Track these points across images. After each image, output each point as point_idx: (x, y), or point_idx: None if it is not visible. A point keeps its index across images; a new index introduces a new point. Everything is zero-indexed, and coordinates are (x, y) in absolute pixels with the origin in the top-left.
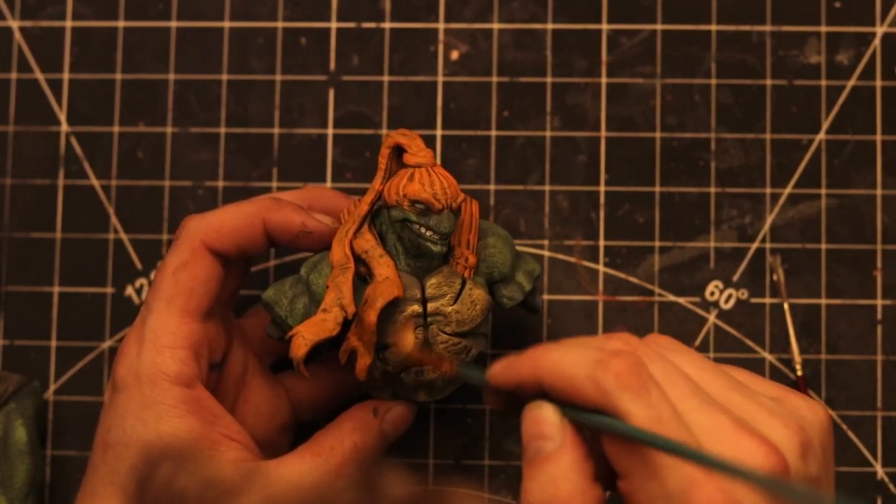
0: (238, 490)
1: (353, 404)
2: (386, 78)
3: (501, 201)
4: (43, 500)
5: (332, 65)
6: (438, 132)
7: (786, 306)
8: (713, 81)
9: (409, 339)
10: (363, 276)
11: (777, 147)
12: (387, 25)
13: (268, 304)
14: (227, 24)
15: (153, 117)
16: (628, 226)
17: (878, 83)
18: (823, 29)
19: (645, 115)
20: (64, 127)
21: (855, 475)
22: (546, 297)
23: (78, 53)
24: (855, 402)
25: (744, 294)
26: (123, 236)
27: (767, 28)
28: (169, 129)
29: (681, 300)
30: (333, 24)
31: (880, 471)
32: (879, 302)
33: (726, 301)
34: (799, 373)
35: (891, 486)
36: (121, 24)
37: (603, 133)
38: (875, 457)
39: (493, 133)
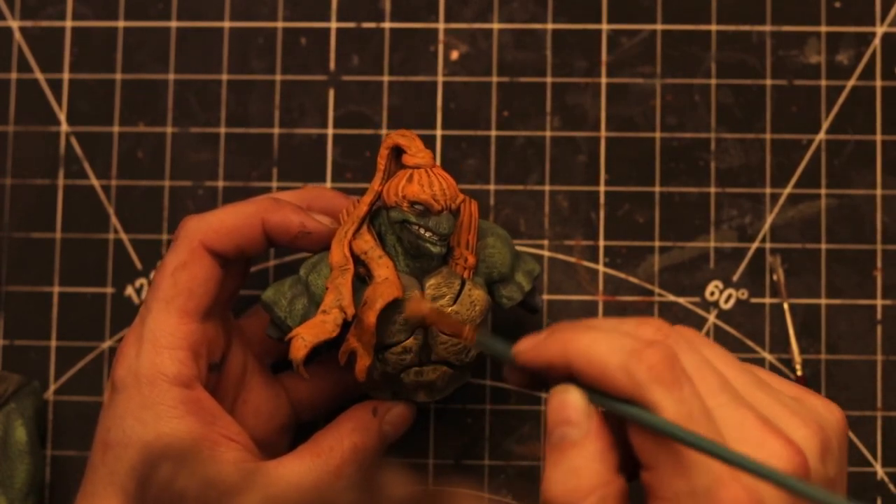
0: (238, 490)
1: (353, 404)
2: (386, 78)
3: (501, 201)
4: (43, 500)
5: (332, 65)
6: (438, 132)
7: (786, 306)
8: (713, 81)
9: (423, 302)
10: (362, 277)
11: (777, 147)
12: (387, 25)
13: (267, 304)
14: (227, 24)
15: (153, 117)
16: (628, 226)
17: (878, 83)
18: (823, 29)
19: (645, 115)
20: (64, 127)
21: (855, 475)
22: (546, 297)
23: (78, 53)
24: (855, 402)
25: (744, 294)
26: (123, 236)
27: (767, 28)
28: (169, 129)
29: (681, 300)
30: (333, 24)
31: (880, 471)
32: (879, 302)
33: (726, 301)
34: (799, 373)
35: (891, 486)
36: (121, 24)
37: (603, 133)
38: (875, 457)
39: (493, 133)
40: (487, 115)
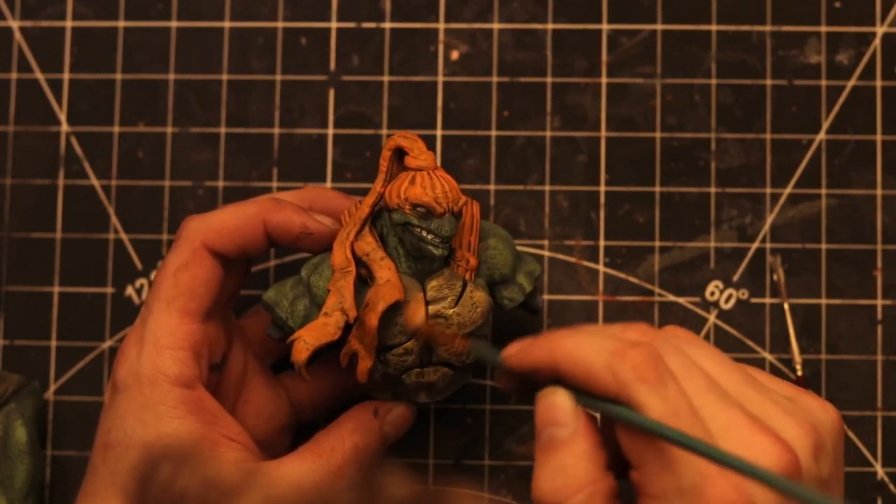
0: (238, 491)
1: (354, 405)
2: (386, 78)
3: (501, 201)
4: (43, 500)
5: (332, 65)
6: (438, 132)
7: (786, 306)
8: (713, 81)
9: (419, 313)
10: (364, 279)
11: (777, 147)
12: (387, 25)
13: (268, 305)
14: (227, 24)
15: (153, 117)
16: (628, 226)
17: (878, 83)
18: (823, 29)
19: (645, 115)
20: (64, 127)
21: (855, 475)
22: (546, 297)
23: (78, 53)
24: (855, 402)
25: (744, 294)
26: (123, 236)
27: (767, 28)
28: (169, 129)
29: (681, 300)
30: (333, 24)
31: (880, 471)
32: (879, 302)
33: (726, 301)
34: (799, 373)
35: (891, 486)
36: (121, 24)
37: (603, 133)
38: (875, 457)
39: (493, 133)
40: (487, 115)
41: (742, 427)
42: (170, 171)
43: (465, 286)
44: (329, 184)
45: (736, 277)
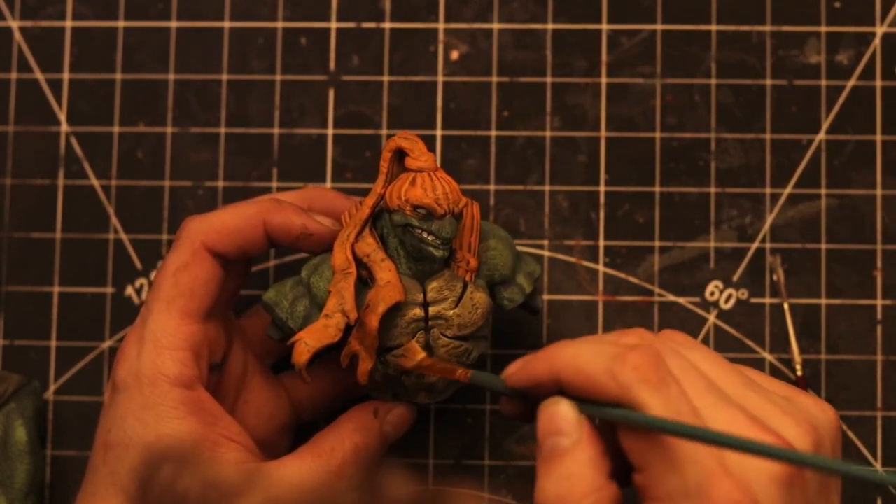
0: (239, 491)
1: (354, 405)
2: (386, 78)
3: (501, 201)
4: (43, 500)
5: (332, 65)
6: (438, 132)
7: (786, 306)
8: (713, 81)
9: (418, 353)
10: (364, 280)
11: (777, 147)
12: (387, 25)
13: (268, 305)
14: (227, 24)
15: (153, 117)
16: (628, 226)
17: (878, 83)
18: (823, 29)
19: (645, 115)
20: (64, 127)
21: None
22: (546, 297)
23: (78, 53)
24: (855, 402)
25: (744, 294)
26: (123, 236)
27: (767, 28)
28: (169, 129)
29: (681, 300)
30: (333, 24)
31: (880, 471)
32: (879, 302)
33: (726, 301)
34: (799, 373)
35: (891, 486)
36: (121, 24)
37: (603, 133)
38: (875, 457)
39: (493, 133)
40: (487, 115)
41: (743, 427)
42: (170, 171)
43: (465, 287)
44: (329, 184)
45: (736, 277)
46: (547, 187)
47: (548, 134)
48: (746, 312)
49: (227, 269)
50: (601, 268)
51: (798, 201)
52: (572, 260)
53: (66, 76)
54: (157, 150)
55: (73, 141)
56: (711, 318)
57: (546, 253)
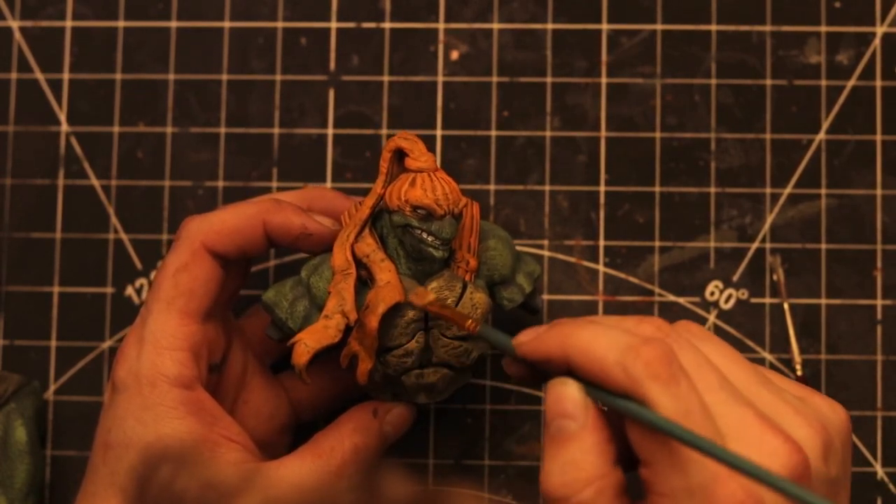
0: (238, 491)
1: (353, 405)
2: (386, 78)
3: (501, 201)
4: (43, 500)
5: (332, 65)
6: (438, 132)
7: (786, 306)
8: (713, 81)
9: (428, 294)
10: (364, 280)
11: (777, 147)
12: (387, 25)
13: (268, 305)
14: (227, 24)
15: (153, 117)
16: (628, 226)
17: (878, 83)
18: (823, 29)
19: (645, 115)
20: (64, 127)
21: (855, 475)
22: (546, 297)
23: (78, 53)
24: (855, 402)
25: (744, 294)
26: (123, 236)
27: (767, 28)
28: (169, 129)
29: (681, 300)
30: (333, 24)
31: (880, 471)
32: (879, 302)
33: (726, 301)
34: (799, 373)
35: (891, 486)
36: (121, 24)
37: (603, 133)
38: (875, 457)
39: (493, 133)
40: (487, 115)
41: (752, 426)
42: (170, 171)
43: (465, 287)
44: (329, 184)
45: (736, 277)
46: (547, 187)
47: (548, 134)
48: (746, 312)
49: (227, 270)
50: (601, 268)
51: (798, 201)
52: (572, 260)
53: (66, 76)
54: (157, 150)
55: (73, 141)
56: (711, 318)
57: (546, 253)
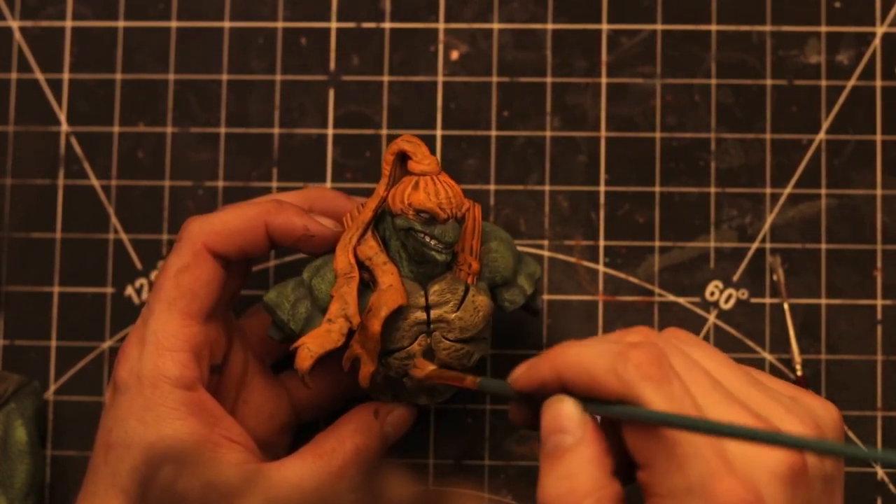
0: (239, 492)
1: (354, 405)
2: (386, 78)
3: (501, 201)
4: (43, 500)
5: (332, 65)
6: (438, 132)
7: (786, 306)
8: (713, 81)
9: (427, 365)
10: (366, 283)
11: (777, 147)
12: (387, 25)
13: (269, 306)
14: (227, 24)
15: (153, 117)
16: (628, 226)
17: (878, 83)
18: (823, 29)
19: (645, 115)
20: (64, 127)
21: (855, 475)
22: (546, 297)
23: (78, 53)
24: (855, 402)
25: (744, 294)
26: (123, 236)
27: (767, 28)
28: (169, 129)
29: (681, 300)
30: (333, 24)
31: (880, 471)
32: (879, 302)
33: (726, 301)
34: (799, 373)
35: (891, 487)
36: (121, 24)
37: (603, 133)
38: None
39: (493, 133)
40: (487, 115)
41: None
42: (170, 171)
43: (467, 290)
44: (329, 184)
45: (736, 277)
46: (547, 187)
47: (548, 134)
48: (746, 312)
49: (228, 270)
50: (601, 268)
51: (798, 201)
52: (572, 260)
53: (66, 76)
54: (157, 150)
55: (73, 141)
56: (711, 318)
57: (546, 253)
